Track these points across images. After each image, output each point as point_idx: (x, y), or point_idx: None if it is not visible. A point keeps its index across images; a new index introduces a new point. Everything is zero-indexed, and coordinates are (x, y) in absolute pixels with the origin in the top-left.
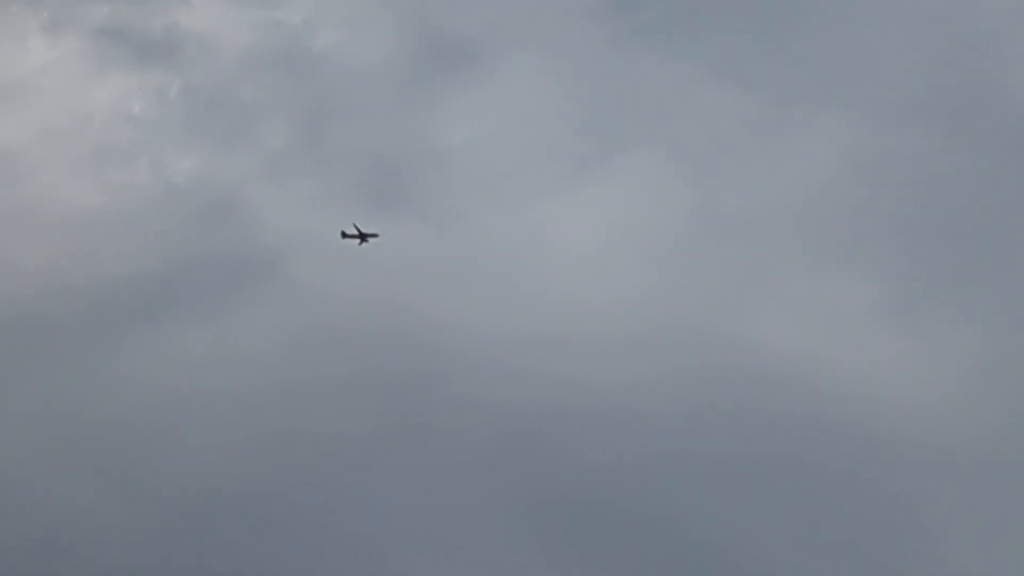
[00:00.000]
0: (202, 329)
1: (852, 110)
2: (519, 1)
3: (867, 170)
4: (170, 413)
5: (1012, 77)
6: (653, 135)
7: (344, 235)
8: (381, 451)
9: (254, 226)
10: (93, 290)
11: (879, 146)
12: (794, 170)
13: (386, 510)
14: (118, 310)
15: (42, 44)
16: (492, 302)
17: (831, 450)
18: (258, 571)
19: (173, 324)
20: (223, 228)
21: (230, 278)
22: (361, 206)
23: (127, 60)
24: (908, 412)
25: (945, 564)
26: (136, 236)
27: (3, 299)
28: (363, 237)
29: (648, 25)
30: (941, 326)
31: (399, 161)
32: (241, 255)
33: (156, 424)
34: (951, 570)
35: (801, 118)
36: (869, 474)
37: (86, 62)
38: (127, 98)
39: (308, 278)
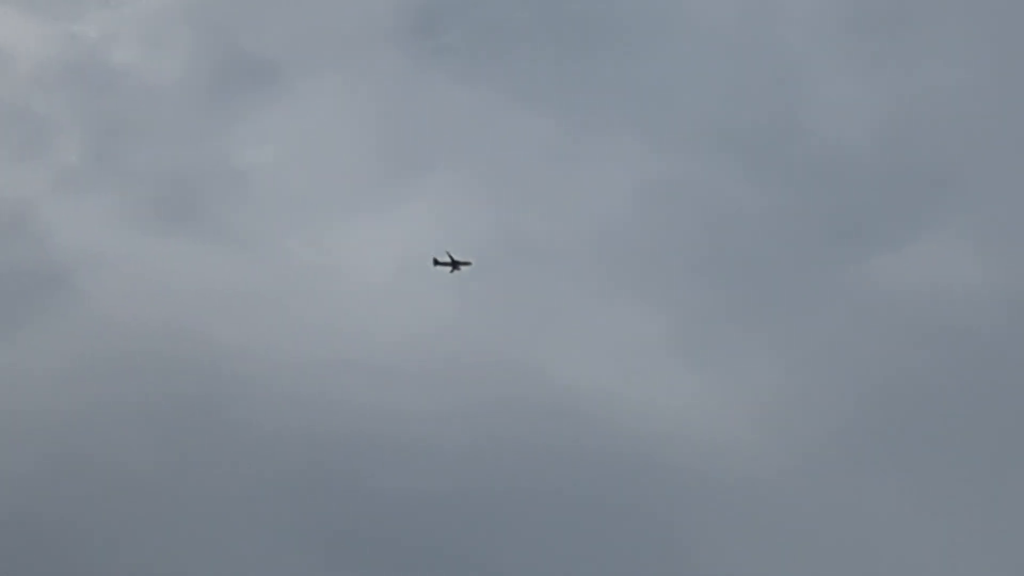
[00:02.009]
0: None
1: (651, 139)
2: (320, 22)
3: (664, 200)
4: None
5: (809, 112)
6: (453, 159)
7: (436, 263)
8: (167, 479)
9: (45, 241)
10: None
11: (677, 176)
12: (592, 197)
13: (173, 539)
14: None
15: None
16: (285, 328)
17: (621, 485)
18: None
19: None
20: (13, 243)
21: (18, 294)
22: (154, 225)
23: None
24: (701, 447)
25: None
26: None
27: None
28: (455, 265)
29: (449, 48)
30: (735, 360)
31: (194, 180)
32: (30, 271)
33: None
34: None
35: (600, 145)
36: (661, 511)
37: None
38: None
39: (98, 297)
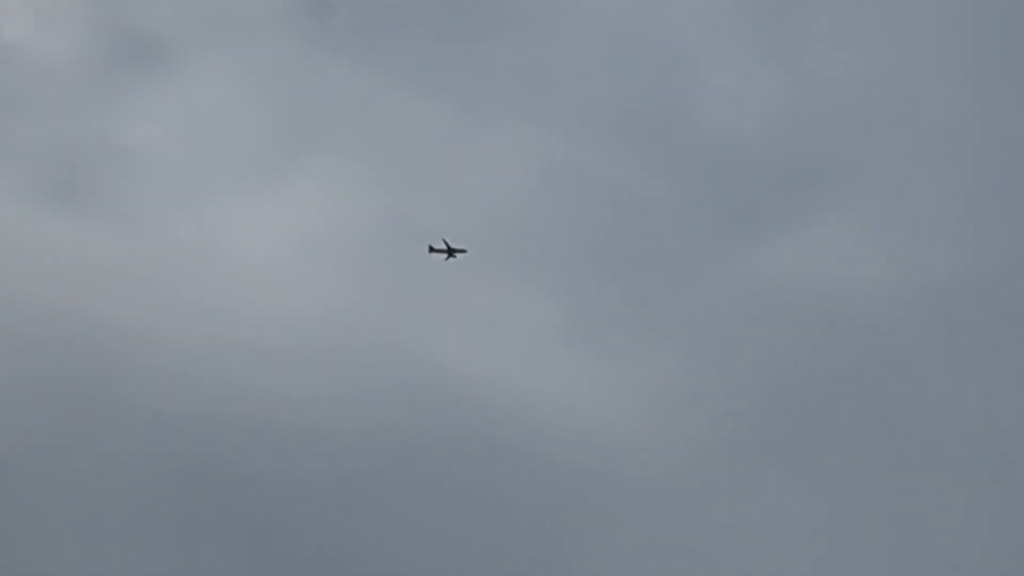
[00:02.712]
0: None
1: (548, 126)
2: (212, 1)
3: (560, 187)
4: None
5: (703, 102)
6: (344, 141)
7: (432, 249)
8: (49, 460)
9: None
10: None
11: (573, 163)
12: (486, 183)
13: (53, 522)
14: None
15: None
16: (173, 309)
17: (509, 476)
18: None
19: None
20: None
21: None
22: (40, 203)
23: None
24: (592, 439)
25: None
26: None
27: None
28: (451, 252)
29: (342, 29)
30: (629, 349)
31: (82, 158)
32: None
33: None
34: None
35: (497, 130)
36: (546, 502)
37: None
38: None
39: None
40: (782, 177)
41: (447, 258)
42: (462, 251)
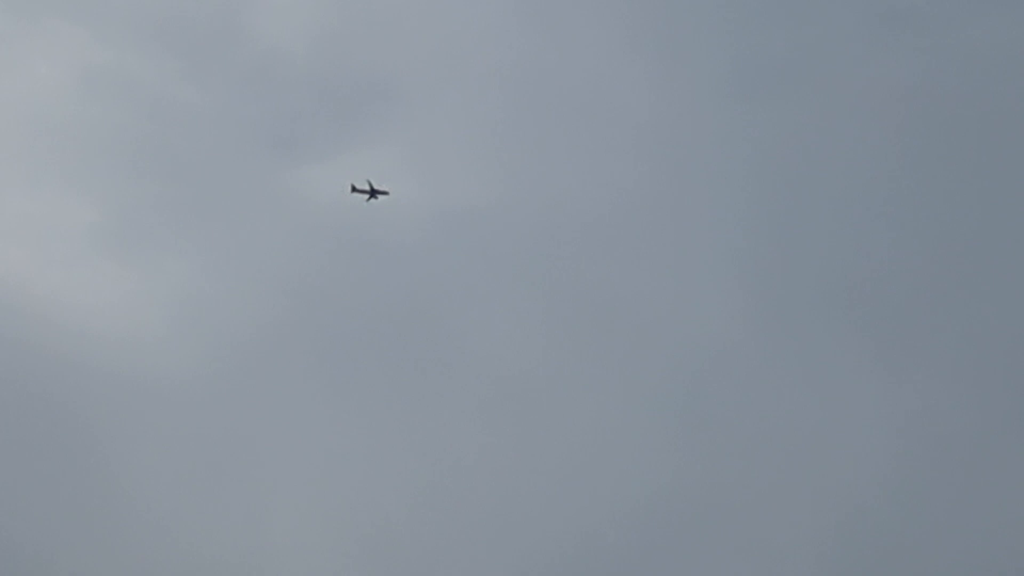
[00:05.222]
0: None
1: (92, 28)
2: None
3: (102, 91)
4: None
5: (257, 14)
6: None
7: (354, 189)
8: None
9: None
10: None
11: (117, 68)
12: (26, 82)
13: None
14: None
15: None
16: None
17: (45, 379)
18: None
19: None
20: None
21: None
22: None
23: None
24: (118, 343)
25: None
26: None
27: None
28: (374, 193)
29: None
30: (161, 257)
31: None
32: None
33: None
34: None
35: (40, 30)
36: (72, 406)
37: None
38: None
39: None
40: (328, 96)
41: (368, 199)
42: (384, 192)
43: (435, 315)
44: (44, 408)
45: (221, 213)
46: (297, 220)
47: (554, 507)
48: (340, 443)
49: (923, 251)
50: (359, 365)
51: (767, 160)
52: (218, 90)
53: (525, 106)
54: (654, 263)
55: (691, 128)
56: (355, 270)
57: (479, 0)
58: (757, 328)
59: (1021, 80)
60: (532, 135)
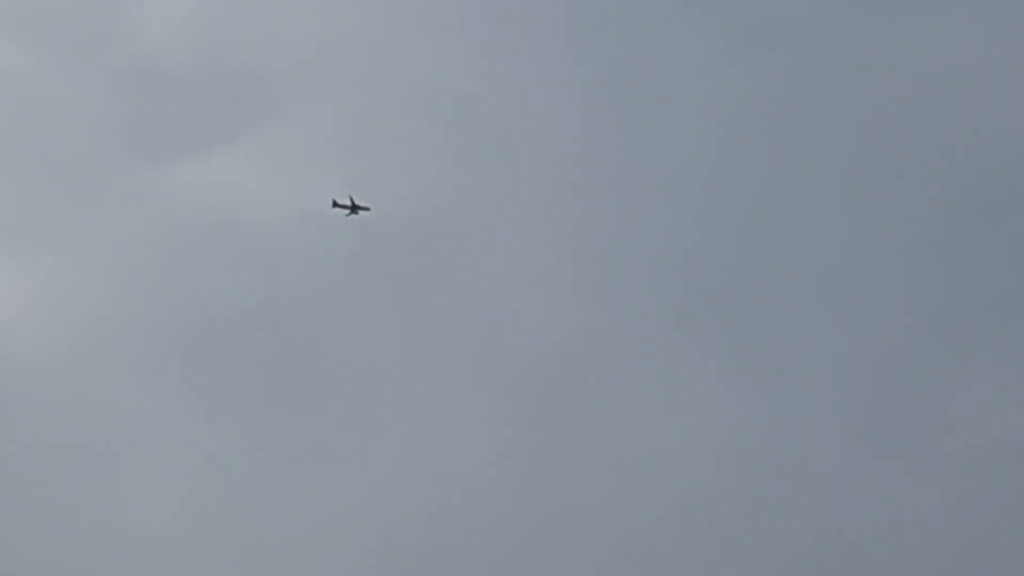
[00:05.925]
0: None
1: None
2: None
3: None
4: None
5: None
6: None
7: (335, 204)
8: None
9: None
10: None
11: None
12: None
13: None
14: None
15: None
16: None
17: None
18: None
19: None
20: None
21: None
22: None
23: None
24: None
25: None
26: None
27: None
28: (354, 209)
29: None
30: (55, 267)
31: None
32: None
33: None
34: None
35: None
36: None
37: None
38: None
39: None
40: (208, 93)
41: (348, 214)
42: (365, 209)
43: (295, 314)
44: None
45: (88, 210)
46: (165, 218)
47: (388, 504)
48: (187, 443)
49: (781, 258)
50: (214, 362)
51: (631, 164)
52: (90, 87)
53: (401, 109)
54: (506, 264)
55: (555, 134)
56: (220, 270)
57: (359, 1)
58: (606, 331)
59: (885, 92)
60: (405, 137)
